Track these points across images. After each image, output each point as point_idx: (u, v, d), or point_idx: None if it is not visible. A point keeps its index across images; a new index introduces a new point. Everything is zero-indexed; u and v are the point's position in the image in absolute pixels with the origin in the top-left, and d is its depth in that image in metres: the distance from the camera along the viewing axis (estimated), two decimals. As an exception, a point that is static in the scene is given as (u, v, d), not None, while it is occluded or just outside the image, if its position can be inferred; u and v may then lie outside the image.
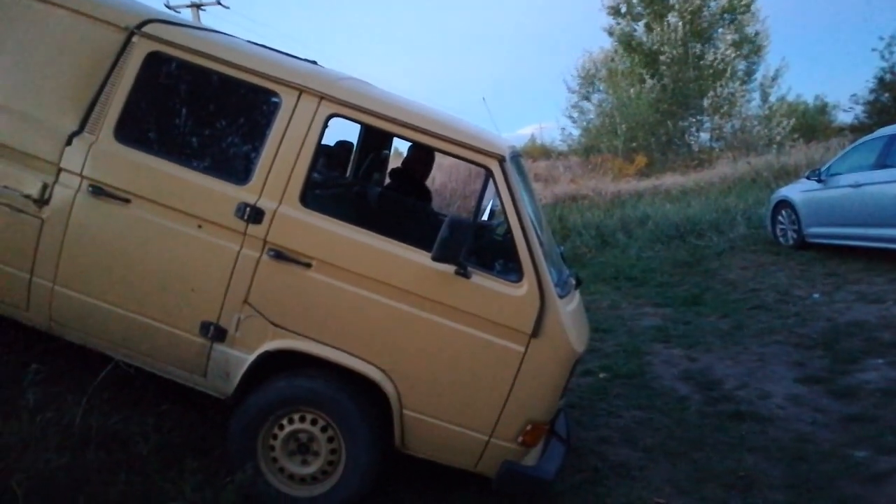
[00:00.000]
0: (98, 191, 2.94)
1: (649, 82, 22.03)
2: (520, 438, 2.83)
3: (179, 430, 3.08)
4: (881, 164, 7.32)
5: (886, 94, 18.44)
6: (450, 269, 2.76)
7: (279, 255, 2.85)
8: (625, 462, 3.54)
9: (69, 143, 2.96)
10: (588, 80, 25.90)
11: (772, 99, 22.39)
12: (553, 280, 2.87)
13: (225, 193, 2.89)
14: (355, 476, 2.86)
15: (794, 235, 8.66)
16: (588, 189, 16.85)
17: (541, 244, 2.88)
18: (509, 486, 2.91)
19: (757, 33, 22.53)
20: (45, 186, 2.94)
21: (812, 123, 23.79)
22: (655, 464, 3.51)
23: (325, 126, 2.93)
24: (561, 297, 2.89)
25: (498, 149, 2.87)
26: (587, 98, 25.85)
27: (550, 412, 2.91)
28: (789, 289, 6.94)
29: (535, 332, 2.76)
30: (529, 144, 28.59)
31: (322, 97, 2.92)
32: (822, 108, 26.40)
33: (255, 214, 2.85)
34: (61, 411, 2.78)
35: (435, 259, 2.70)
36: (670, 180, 16.97)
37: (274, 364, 2.91)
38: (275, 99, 2.95)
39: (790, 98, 24.40)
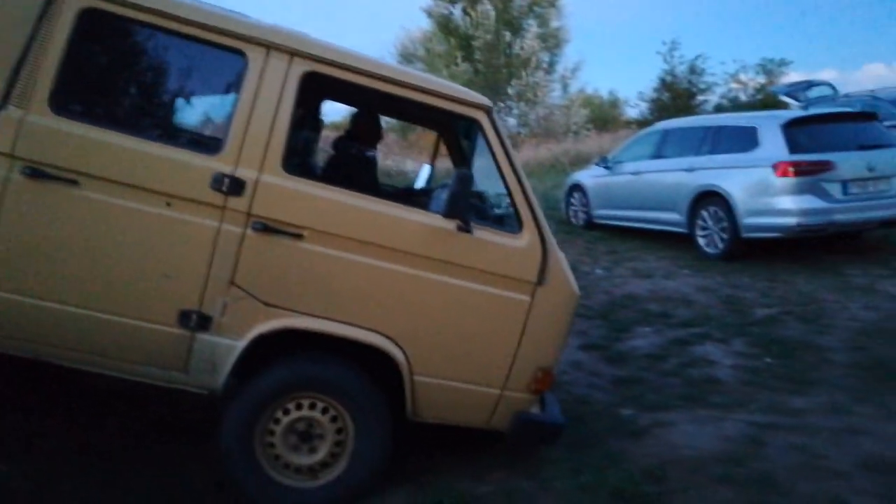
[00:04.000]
0: (36, 173, 2.49)
1: (462, 65, 22.75)
2: (532, 386, 2.84)
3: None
4: (657, 155, 8.26)
5: (667, 94, 20.80)
6: (451, 226, 2.69)
7: (266, 228, 2.62)
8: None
9: None
10: (407, 59, 26.11)
11: (571, 90, 24.28)
12: None
13: (196, 165, 2.59)
14: (368, 457, 2.75)
15: (584, 216, 9.47)
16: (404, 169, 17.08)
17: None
18: (524, 436, 2.92)
19: (560, 28, 24.23)
20: None
21: (605, 116, 26.28)
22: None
23: (302, 85, 2.66)
24: None
25: (483, 100, 2.82)
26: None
27: (558, 357, 2.95)
28: (576, 264, 7.56)
29: (541, 280, 2.78)
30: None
31: (293, 53, 2.65)
32: (615, 102, 29.22)
33: (234, 185, 2.59)
34: None
35: (447, 215, 2.64)
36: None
37: (265, 350, 2.68)
38: (239, 58, 2.63)
39: (588, 91, 26.69)
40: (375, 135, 4.02)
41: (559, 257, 2.86)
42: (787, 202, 6.42)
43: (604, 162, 9.17)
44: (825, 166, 6.35)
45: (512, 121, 23.89)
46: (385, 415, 2.77)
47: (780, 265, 6.72)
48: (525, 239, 2.79)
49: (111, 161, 2.55)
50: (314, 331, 2.69)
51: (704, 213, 7.24)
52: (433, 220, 2.72)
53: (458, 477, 2.98)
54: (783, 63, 21.24)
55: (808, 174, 6.35)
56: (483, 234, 2.76)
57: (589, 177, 9.53)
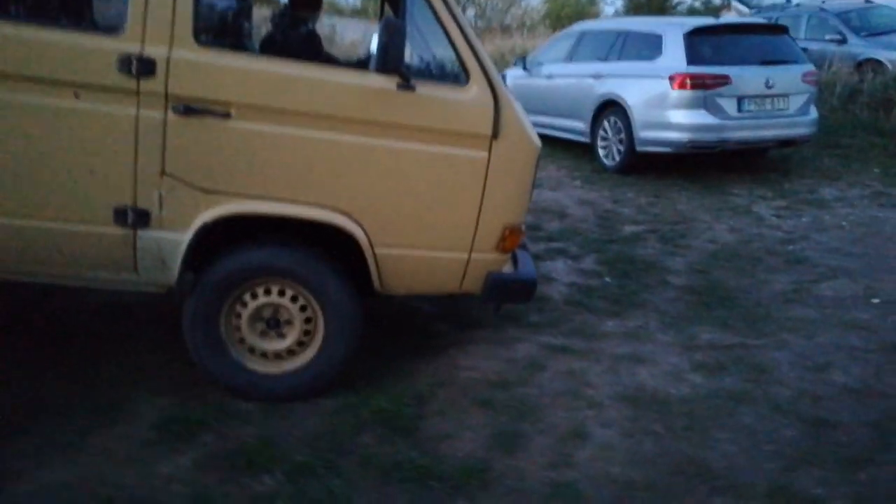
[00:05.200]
0: None
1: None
2: (500, 245, 2.75)
3: None
4: (570, 59, 7.85)
5: None
6: (391, 84, 2.49)
7: (189, 110, 2.41)
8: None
9: None
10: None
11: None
12: None
13: (97, 47, 2.36)
14: (339, 341, 2.72)
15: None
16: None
17: None
18: (498, 295, 2.88)
19: None
20: None
21: (582, 11, 25.25)
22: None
23: None
24: None
25: None
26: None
27: (524, 213, 2.85)
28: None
29: (496, 133, 2.60)
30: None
31: None
32: None
33: (144, 66, 2.36)
34: None
35: (379, 70, 2.43)
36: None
37: (218, 238, 2.58)
38: None
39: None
40: (314, 8, 3.75)
41: (514, 108, 2.68)
42: (680, 116, 6.20)
43: (522, 63, 8.72)
44: (722, 80, 6.08)
45: (470, 12, 22.80)
46: (351, 295, 2.70)
47: (669, 181, 6.57)
48: (473, 90, 2.60)
49: (5, 54, 2.32)
50: (261, 214, 2.56)
51: (606, 124, 6.98)
52: (371, 80, 2.51)
53: (216, 389, 2.87)
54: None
55: (703, 87, 6.08)
56: (428, 89, 2.57)
57: (510, 77, 9.10)
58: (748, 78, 6.15)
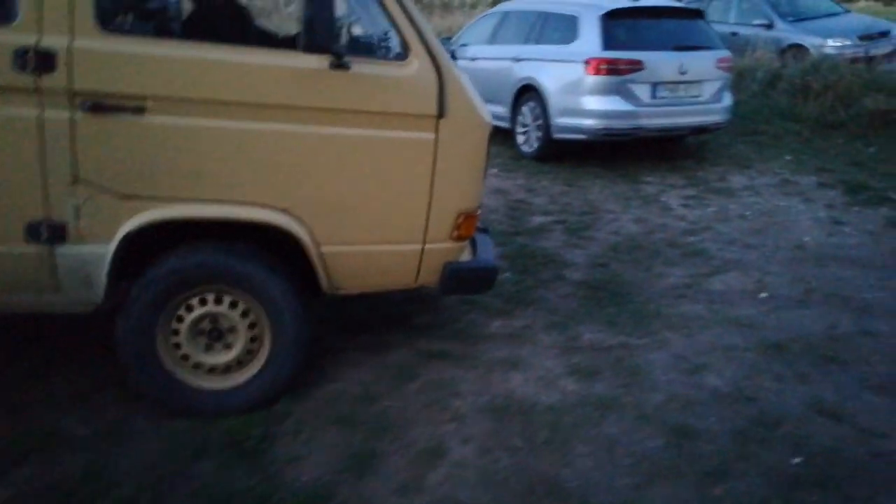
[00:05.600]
0: None
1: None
2: (455, 234, 2.59)
3: None
4: (492, 40, 7.65)
5: None
6: (323, 64, 2.28)
7: (98, 107, 2.16)
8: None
9: None
10: None
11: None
12: None
13: None
14: (288, 340, 2.54)
15: (429, 103, 8.90)
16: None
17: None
18: (456, 286, 2.74)
19: None
20: None
21: None
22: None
23: None
24: None
25: None
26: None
27: (478, 196, 2.66)
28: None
29: (441, 112, 2.41)
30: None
31: None
32: None
33: (43, 60, 2.09)
34: None
35: (308, 49, 2.23)
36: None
37: (148, 248, 2.38)
38: None
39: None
40: None
41: (461, 84, 2.48)
42: (595, 103, 6.09)
43: (447, 44, 8.49)
44: (635, 65, 5.99)
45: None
46: (296, 298, 2.52)
47: (585, 169, 6.49)
48: (413, 66, 2.38)
49: None
50: (189, 219, 2.35)
51: (524, 109, 6.84)
52: (300, 61, 2.28)
53: (52, 409, 2.64)
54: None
55: (617, 73, 5.98)
56: (364, 68, 2.35)
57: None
58: (662, 63, 6.07)
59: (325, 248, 2.48)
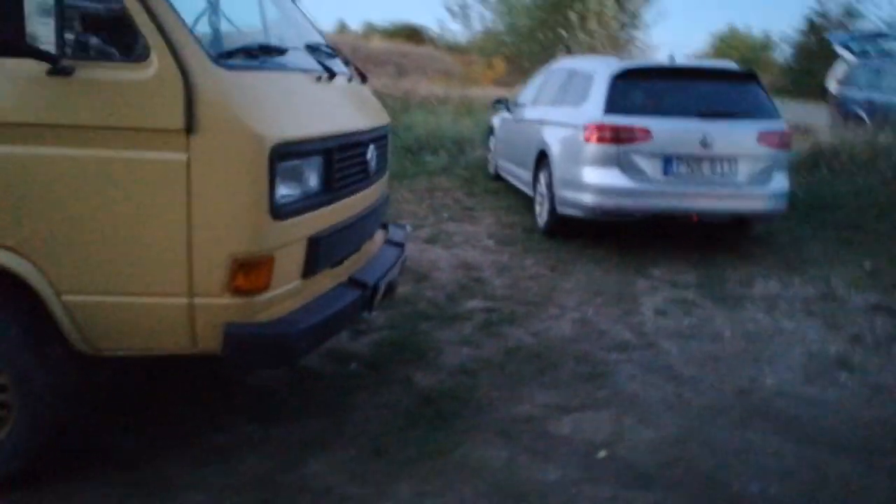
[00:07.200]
0: None
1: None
2: (233, 285, 2.06)
3: None
4: (535, 101, 6.93)
5: (813, 38, 18.18)
6: (39, 70, 1.92)
7: None
8: None
9: None
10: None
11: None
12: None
13: None
14: (39, 412, 2.14)
15: (494, 165, 8.33)
16: (435, 90, 15.98)
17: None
18: (239, 355, 2.14)
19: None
20: None
21: (755, 58, 24.04)
22: None
23: None
24: (249, 69, 2.18)
25: None
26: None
27: (259, 235, 2.09)
28: (409, 216, 6.64)
29: (190, 125, 1.97)
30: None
31: None
32: (765, 44, 27.39)
33: None
34: None
35: (10, 52, 1.88)
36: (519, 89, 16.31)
37: None
38: None
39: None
40: None
41: (224, 88, 2.02)
42: (592, 176, 5.13)
43: (505, 104, 7.90)
44: (640, 134, 4.95)
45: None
46: (50, 360, 2.13)
47: (590, 251, 5.46)
48: (153, 67, 1.96)
49: None
50: None
51: (541, 177, 6.02)
52: (5, 67, 1.94)
53: None
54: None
55: (617, 142, 4.98)
56: (91, 71, 1.96)
57: (498, 119, 8.31)
58: (677, 133, 4.95)
59: (67, 298, 2.06)
